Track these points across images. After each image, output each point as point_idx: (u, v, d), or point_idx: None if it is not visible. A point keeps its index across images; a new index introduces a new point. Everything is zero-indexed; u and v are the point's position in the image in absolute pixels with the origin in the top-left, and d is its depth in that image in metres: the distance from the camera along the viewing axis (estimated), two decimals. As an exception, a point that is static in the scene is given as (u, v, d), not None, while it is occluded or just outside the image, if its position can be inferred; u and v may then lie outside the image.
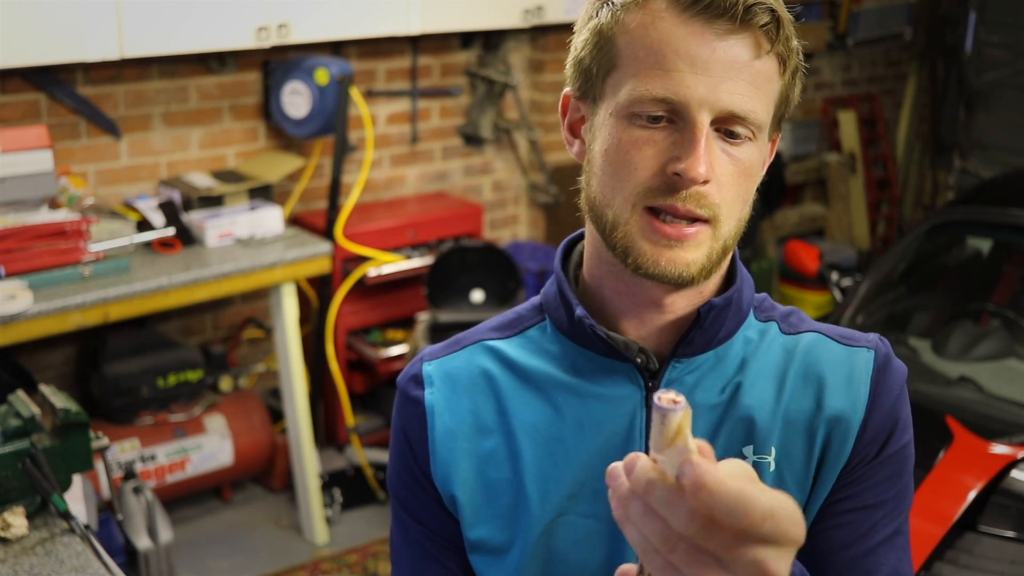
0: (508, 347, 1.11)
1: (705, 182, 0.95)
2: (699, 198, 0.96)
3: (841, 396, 1.05)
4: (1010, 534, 2.51)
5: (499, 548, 1.07)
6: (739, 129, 0.96)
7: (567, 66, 1.06)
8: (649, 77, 0.95)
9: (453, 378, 1.11)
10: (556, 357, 1.08)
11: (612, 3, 0.99)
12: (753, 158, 0.99)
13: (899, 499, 1.06)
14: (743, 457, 1.04)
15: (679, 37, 0.95)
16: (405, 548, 1.14)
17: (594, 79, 1.01)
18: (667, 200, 0.96)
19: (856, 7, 5.41)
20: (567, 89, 1.07)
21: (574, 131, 1.07)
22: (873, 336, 1.09)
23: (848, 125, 5.53)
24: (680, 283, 0.99)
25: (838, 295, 3.58)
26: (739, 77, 0.95)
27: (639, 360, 1.04)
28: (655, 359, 1.05)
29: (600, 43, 1.00)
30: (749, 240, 4.50)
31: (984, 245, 3.69)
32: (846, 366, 1.06)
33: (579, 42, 1.03)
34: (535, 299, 1.14)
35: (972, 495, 2.54)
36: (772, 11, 0.95)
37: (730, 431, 1.05)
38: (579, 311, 1.05)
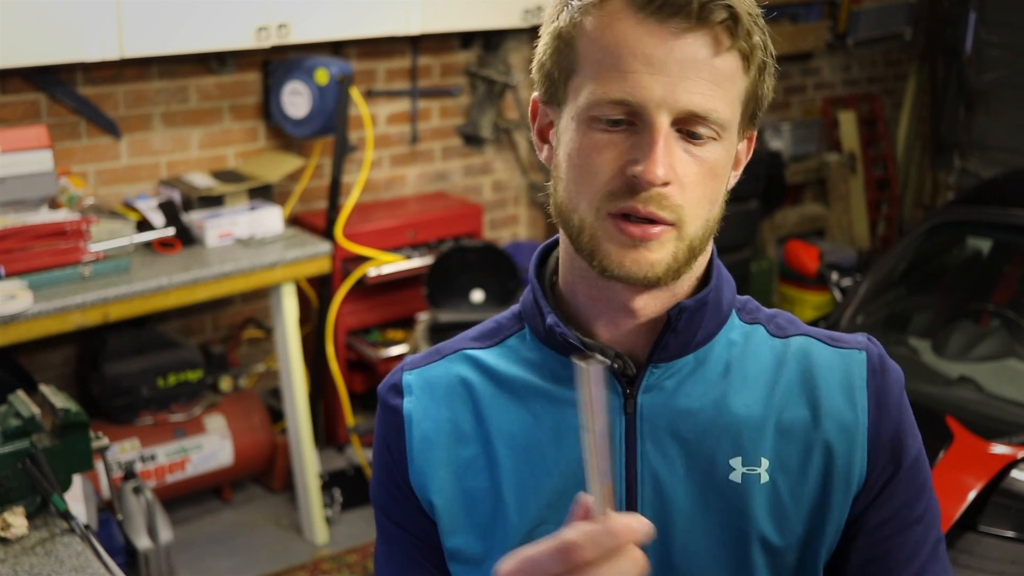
0: (488, 356, 1.09)
1: (666, 184, 0.93)
2: (660, 200, 0.94)
3: (838, 403, 1.02)
4: (1010, 534, 2.51)
5: (476, 558, 1.06)
6: (701, 129, 0.94)
7: (532, 71, 1.04)
8: (607, 80, 0.94)
9: (432, 387, 1.09)
10: (535, 365, 1.07)
11: (571, 6, 0.98)
12: (719, 158, 0.97)
13: (930, 507, 1.06)
14: (730, 469, 1.01)
15: (635, 37, 0.93)
16: (390, 557, 1.12)
17: (557, 83, 1.00)
18: (628, 202, 0.94)
19: (856, 7, 5.41)
20: (535, 94, 1.05)
21: (543, 136, 1.05)
22: (862, 337, 1.07)
23: (848, 125, 5.53)
24: (646, 283, 0.97)
25: (838, 295, 3.57)
26: (698, 76, 0.93)
27: (616, 366, 1.02)
28: (632, 364, 1.03)
29: (560, 47, 0.99)
30: (749, 240, 4.49)
31: (984, 245, 3.69)
32: (840, 371, 1.04)
33: (541, 46, 1.02)
34: (515, 307, 1.13)
35: (972, 495, 2.54)
36: (729, 7, 0.92)
37: (715, 440, 1.02)
38: (550, 319, 1.03)
